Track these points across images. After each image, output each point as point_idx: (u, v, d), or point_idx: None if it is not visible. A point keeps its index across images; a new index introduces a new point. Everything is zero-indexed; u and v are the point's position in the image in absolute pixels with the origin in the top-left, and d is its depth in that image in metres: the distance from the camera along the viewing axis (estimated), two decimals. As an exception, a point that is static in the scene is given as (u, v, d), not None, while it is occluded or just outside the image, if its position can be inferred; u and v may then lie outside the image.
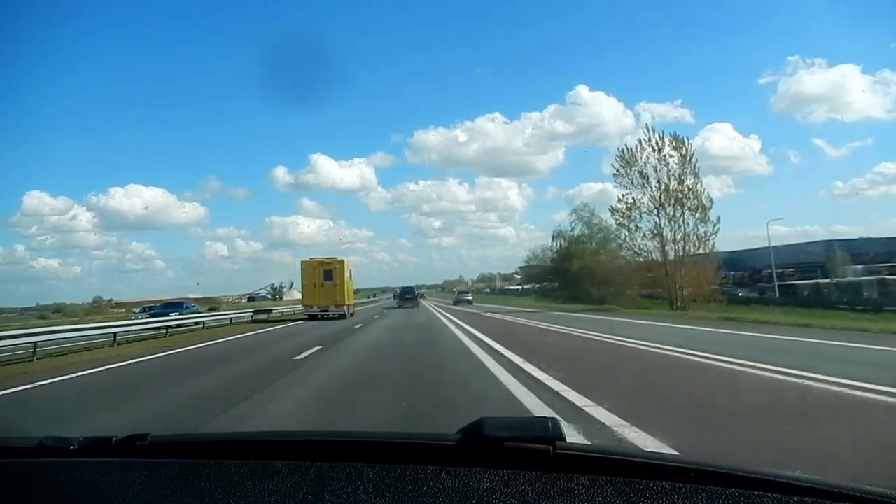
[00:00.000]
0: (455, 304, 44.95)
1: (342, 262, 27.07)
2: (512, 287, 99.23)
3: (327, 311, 25.37)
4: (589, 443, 3.47)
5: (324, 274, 25.89)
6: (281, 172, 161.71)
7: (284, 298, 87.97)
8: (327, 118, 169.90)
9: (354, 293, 33.93)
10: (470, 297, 49.49)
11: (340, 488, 0.94)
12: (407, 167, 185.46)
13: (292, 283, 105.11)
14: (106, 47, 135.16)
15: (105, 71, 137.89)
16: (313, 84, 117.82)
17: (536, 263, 63.60)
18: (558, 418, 1.03)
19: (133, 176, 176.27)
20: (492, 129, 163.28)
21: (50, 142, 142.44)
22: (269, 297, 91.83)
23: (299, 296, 33.07)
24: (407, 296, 42.95)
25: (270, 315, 29.53)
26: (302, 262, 27.04)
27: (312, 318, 24.92)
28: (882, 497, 0.88)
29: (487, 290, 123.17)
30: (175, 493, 0.98)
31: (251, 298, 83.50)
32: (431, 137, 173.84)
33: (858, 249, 39.34)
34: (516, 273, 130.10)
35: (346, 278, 26.58)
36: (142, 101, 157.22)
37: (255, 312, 29.22)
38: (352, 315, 26.45)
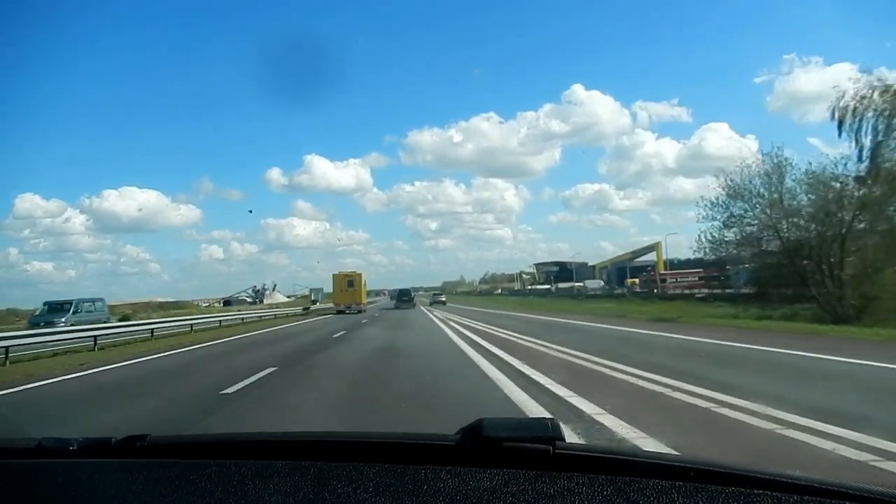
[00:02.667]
0: (430, 304, 53.68)
1: (360, 274, 44.78)
2: (541, 287, 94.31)
3: (350, 307, 41.61)
4: (588, 443, 3.65)
5: (347, 283, 42.98)
6: (275, 174, 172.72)
7: (265, 301, 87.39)
8: (321, 119, 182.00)
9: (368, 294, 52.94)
10: (444, 298, 59.94)
11: (340, 488, 1.03)
12: (402, 168, 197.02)
13: (275, 285, 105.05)
14: (99, 50, 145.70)
15: (98, 73, 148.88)
16: (307, 84, 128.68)
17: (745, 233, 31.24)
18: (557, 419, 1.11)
19: (126, 178, 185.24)
20: (487, 129, 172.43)
21: (42, 144, 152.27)
22: (250, 300, 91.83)
23: (283, 298, 56.72)
24: (404, 297, 50.50)
25: (310, 309, 48.91)
26: (333, 274, 44.12)
27: (340, 312, 40.62)
28: (882, 496, 0.97)
29: (500, 290, 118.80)
30: (175, 494, 1.07)
31: (227, 302, 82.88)
32: (426, 138, 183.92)
33: None
34: (524, 272, 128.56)
35: (362, 285, 44.30)
36: (135, 103, 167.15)
37: (304, 309, 50.40)
38: (364, 311, 41.35)
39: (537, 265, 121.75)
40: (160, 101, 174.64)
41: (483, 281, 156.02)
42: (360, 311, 40.48)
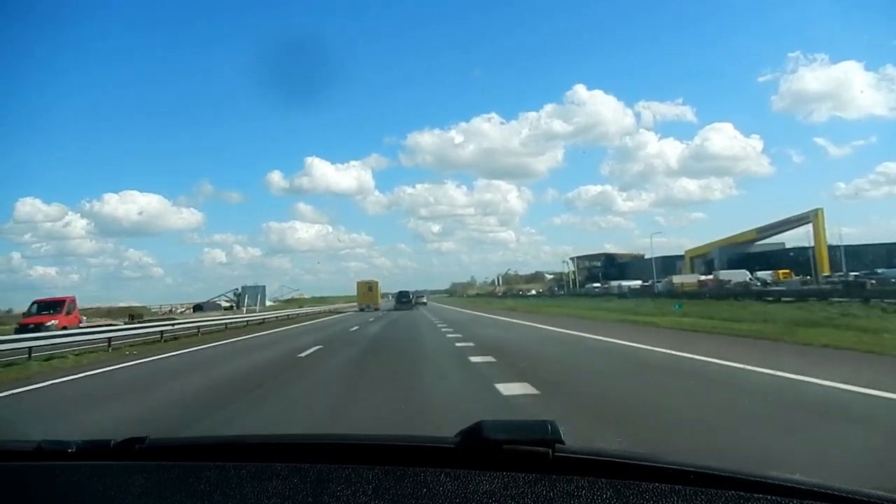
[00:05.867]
0: (414, 304, 61.99)
1: (376, 282, 67.82)
2: (629, 283, 73.56)
3: (369, 306, 59.75)
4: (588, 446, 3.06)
5: (367, 288, 64.70)
6: (276, 176, 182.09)
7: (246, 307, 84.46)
8: (321, 120, 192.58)
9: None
10: (425, 300, 71.63)
11: (340, 490, 1.11)
12: (402, 170, 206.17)
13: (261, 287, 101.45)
14: (99, 53, 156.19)
15: (97, 76, 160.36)
16: (307, 86, 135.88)
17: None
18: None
19: (127, 182, 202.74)
20: (488, 130, 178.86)
21: (42, 147, 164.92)
22: (227, 304, 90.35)
23: (268, 302, 77.97)
24: (402, 299, 60.47)
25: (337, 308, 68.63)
26: (357, 282, 68.43)
27: (361, 310, 57.92)
28: (882, 500, 1.04)
29: (534, 291, 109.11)
30: (174, 496, 1.15)
31: (198, 307, 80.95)
32: (426, 139, 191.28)
33: None
34: (544, 272, 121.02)
35: (378, 290, 66.76)
36: (135, 106, 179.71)
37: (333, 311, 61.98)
38: (380, 308, 59.13)
39: (576, 259, 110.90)
40: (160, 104, 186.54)
41: (503, 281, 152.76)
42: (376, 309, 57.86)
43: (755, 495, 1.03)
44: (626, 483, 1.07)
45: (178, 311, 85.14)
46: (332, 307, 72.76)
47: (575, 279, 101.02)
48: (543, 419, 1.19)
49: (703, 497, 1.03)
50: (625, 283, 74.83)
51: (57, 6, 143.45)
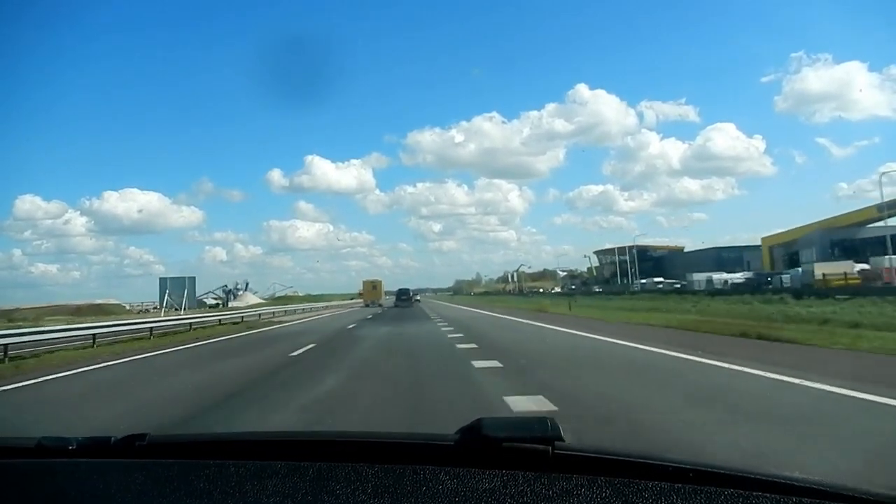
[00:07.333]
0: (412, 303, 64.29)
1: (380, 280, 76.88)
2: (730, 277, 57.09)
3: (374, 302, 66.11)
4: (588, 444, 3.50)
5: (372, 286, 72.65)
6: (276, 175, 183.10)
7: (231, 304, 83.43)
8: (322, 119, 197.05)
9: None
10: (419, 297, 74.22)
11: (339, 488, 1.13)
12: (403, 169, 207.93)
13: (248, 284, 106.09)
14: (99, 52, 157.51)
15: (97, 74, 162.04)
16: (307, 84, 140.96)
17: None
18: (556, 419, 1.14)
19: (127, 180, 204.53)
20: (489, 129, 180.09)
21: (42, 145, 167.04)
22: (215, 301, 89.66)
23: (256, 300, 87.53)
24: (402, 297, 63.32)
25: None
26: (363, 280, 76.67)
27: (366, 305, 63.63)
28: (880, 498, 1.07)
29: (555, 289, 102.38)
30: (174, 494, 1.17)
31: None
32: (427, 138, 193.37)
33: None
34: (568, 271, 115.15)
35: (381, 287, 75.05)
36: (134, 104, 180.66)
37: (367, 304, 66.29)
38: (383, 305, 63.62)
39: (599, 253, 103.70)
40: (160, 103, 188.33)
41: (500, 280, 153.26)
42: (379, 305, 61.44)
43: (754, 493, 1.04)
44: (625, 481, 1.09)
45: (145, 307, 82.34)
46: (277, 308, 49.52)
47: (615, 274, 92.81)
48: (543, 417, 1.18)
49: (702, 495, 1.04)
50: (716, 276, 58.73)
51: (57, 5, 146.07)
